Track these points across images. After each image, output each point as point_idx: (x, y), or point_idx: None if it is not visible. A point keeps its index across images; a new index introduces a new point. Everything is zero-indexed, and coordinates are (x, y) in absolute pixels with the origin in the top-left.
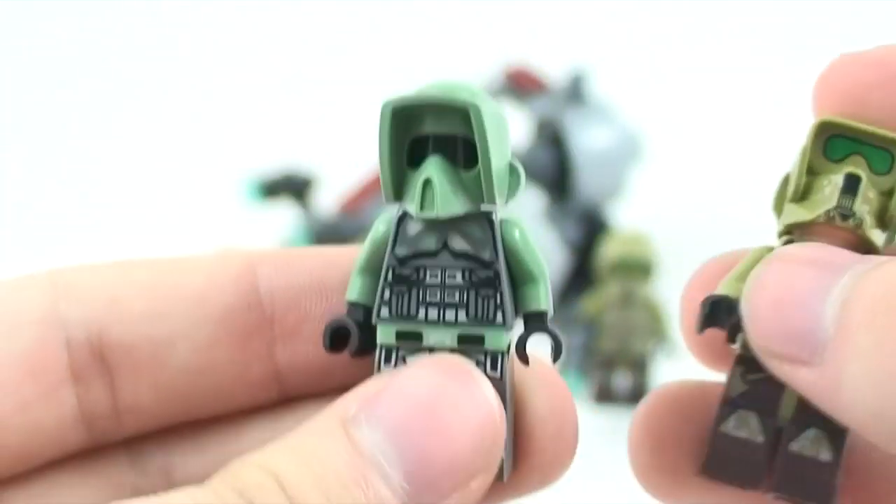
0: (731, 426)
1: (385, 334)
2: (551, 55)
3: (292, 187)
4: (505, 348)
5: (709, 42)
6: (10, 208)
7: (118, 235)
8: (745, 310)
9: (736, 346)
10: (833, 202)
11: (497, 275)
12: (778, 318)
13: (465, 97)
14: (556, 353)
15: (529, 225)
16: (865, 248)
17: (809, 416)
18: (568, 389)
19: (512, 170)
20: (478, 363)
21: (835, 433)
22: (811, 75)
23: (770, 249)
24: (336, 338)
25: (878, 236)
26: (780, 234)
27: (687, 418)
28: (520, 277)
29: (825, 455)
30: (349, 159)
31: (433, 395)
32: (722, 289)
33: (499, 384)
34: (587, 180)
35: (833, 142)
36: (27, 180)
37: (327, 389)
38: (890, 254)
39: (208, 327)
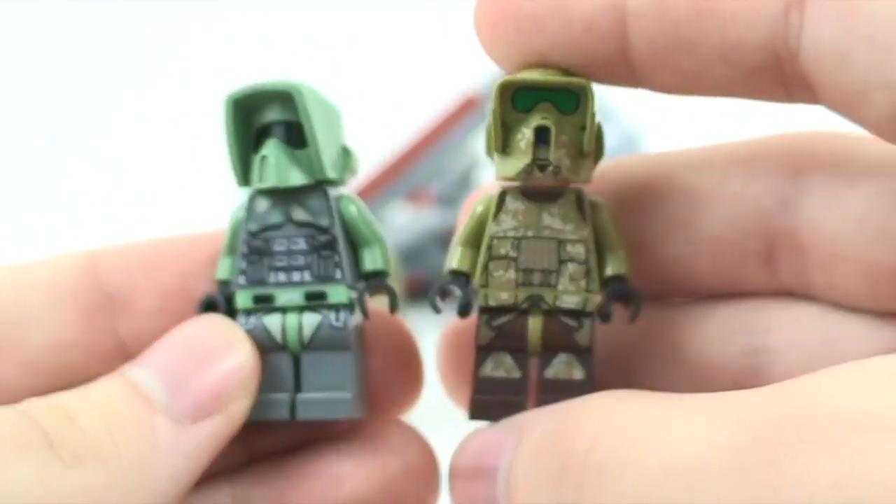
0: (488, 369)
1: (243, 299)
2: None
3: None
4: (346, 301)
5: None
6: (12, 204)
7: (117, 236)
8: None
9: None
10: (529, 156)
11: (335, 238)
12: None
13: (289, 84)
14: (394, 306)
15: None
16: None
17: (555, 343)
18: (410, 333)
19: (346, 152)
20: (326, 318)
21: (582, 353)
22: None
23: (490, 198)
24: (208, 311)
25: (583, 170)
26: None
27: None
28: (359, 243)
29: (578, 374)
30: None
31: (191, 336)
32: (454, 261)
33: (342, 333)
34: None
35: (519, 95)
36: (27, 176)
37: None
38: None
39: (58, 308)
